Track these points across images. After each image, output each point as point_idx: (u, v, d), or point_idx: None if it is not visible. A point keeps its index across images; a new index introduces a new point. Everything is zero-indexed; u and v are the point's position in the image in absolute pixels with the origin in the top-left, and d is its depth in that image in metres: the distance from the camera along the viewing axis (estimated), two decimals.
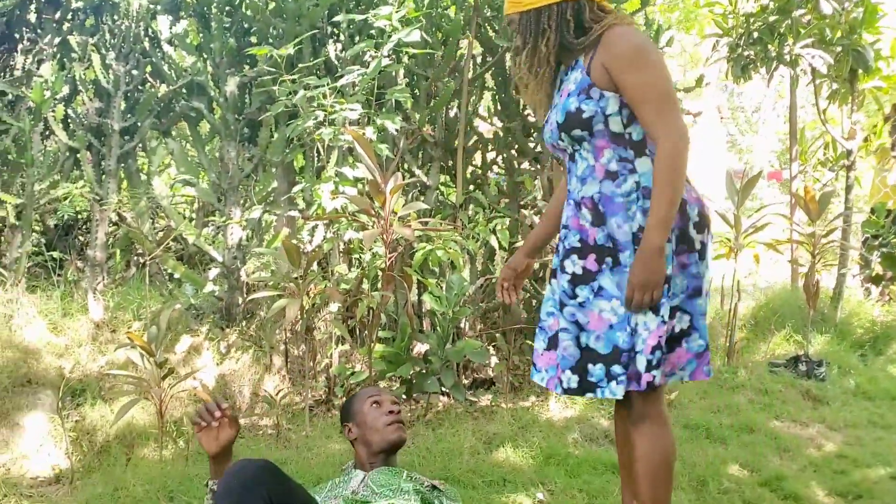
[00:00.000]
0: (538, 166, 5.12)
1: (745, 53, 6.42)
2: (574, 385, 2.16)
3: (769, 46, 6.18)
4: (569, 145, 2.19)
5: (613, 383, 2.09)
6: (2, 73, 4.48)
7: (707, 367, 2.22)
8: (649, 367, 2.04)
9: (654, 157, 2.08)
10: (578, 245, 2.17)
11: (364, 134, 3.93)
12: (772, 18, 6.19)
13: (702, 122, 17.24)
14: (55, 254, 4.88)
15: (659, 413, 2.15)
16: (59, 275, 4.75)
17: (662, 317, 2.04)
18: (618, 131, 2.11)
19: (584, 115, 2.10)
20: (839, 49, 6.04)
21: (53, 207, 5.32)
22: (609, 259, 2.13)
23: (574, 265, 2.17)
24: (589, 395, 2.17)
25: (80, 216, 5.45)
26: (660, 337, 2.03)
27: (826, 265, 5.73)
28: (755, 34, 6.28)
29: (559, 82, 2.27)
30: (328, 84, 3.97)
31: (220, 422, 2.02)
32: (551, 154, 2.44)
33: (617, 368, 2.09)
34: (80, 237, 5.41)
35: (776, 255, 7.50)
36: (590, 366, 2.15)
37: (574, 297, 2.17)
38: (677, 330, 2.12)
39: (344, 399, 3.13)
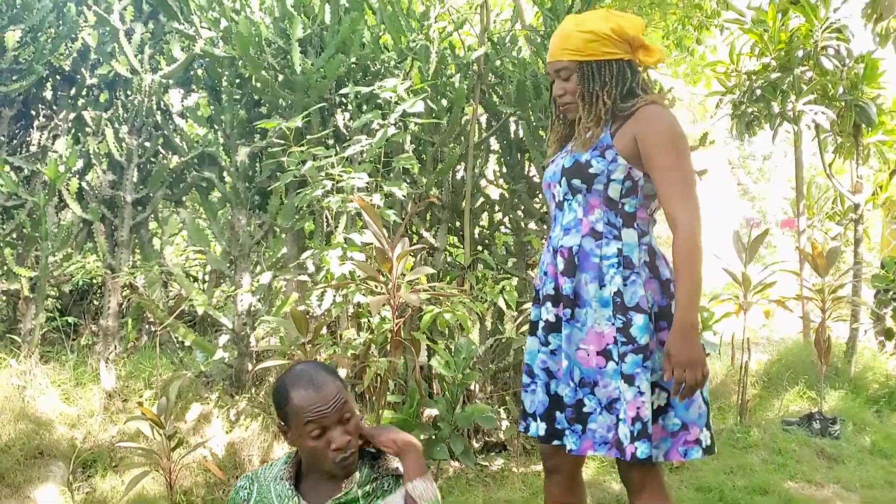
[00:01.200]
0: (545, 226, 5.16)
1: (749, 110, 6.50)
2: (542, 433, 2.23)
3: (772, 103, 6.25)
4: (563, 192, 2.24)
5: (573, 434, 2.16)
6: (18, 149, 4.59)
7: (684, 448, 2.17)
8: (632, 439, 2.05)
9: (640, 231, 2.18)
10: (553, 293, 2.23)
11: (372, 201, 4.00)
12: (773, 76, 6.27)
13: (712, 174, 17.34)
14: (70, 319, 4.94)
15: (659, 486, 2.15)
16: (73, 339, 4.80)
17: (638, 387, 2.06)
18: (613, 198, 2.18)
19: (591, 170, 2.16)
20: (842, 104, 6.10)
21: (69, 275, 5.41)
22: (567, 310, 2.18)
23: (548, 312, 2.22)
24: (556, 442, 2.19)
25: (94, 281, 5.53)
26: (638, 408, 2.05)
27: (837, 319, 5.69)
28: (758, 91, 6.36)
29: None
30: (336, 153, 4.05)
31: None
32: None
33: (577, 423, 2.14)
34: (95, 301, 5.47)
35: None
36: (557, 413, 2.21)
37: (547, 343, 2.22)
38: (655, 406, 2.13)
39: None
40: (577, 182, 2.19)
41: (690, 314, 2.05)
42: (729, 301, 5.13)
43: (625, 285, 2.13)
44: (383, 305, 3.72)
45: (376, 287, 3.96)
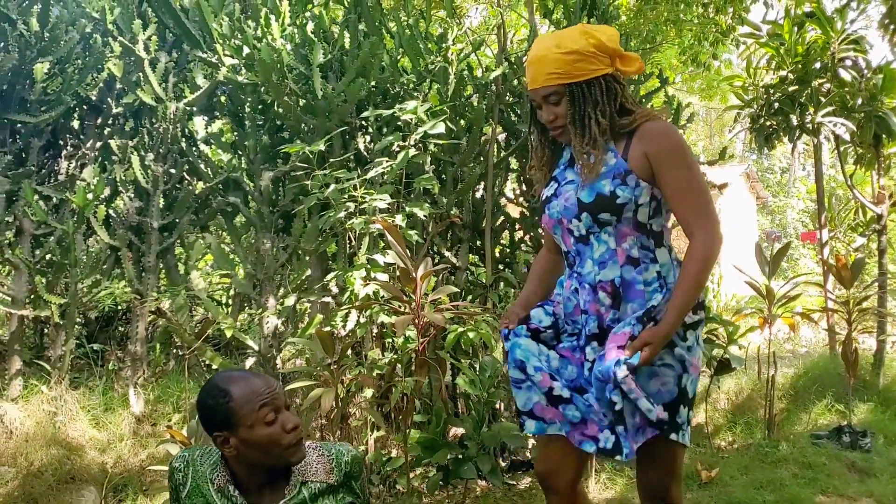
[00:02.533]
0: None
1: (767, 123, 6.50)
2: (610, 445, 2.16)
3: (790, 116, 6.25)
4: (586, 226, 2.15)
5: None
6: (47, 179, 4.69)
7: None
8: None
9: (668, 247, 2.17)
10: (597, 331, 2.18)
11: (394, 221, 4.04)
12: (791, 88, 6.27)
13: (730, 188, 17.27)
14: (96, 346, 5.02)
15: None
16: (101, 366, 4.87)
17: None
18: (643, 221, 2.14)
19: (619, 201, 2.09)
20: (861, 116, 6.08)
21: (95, 302, 5.49)
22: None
23: (595, 352, 2.18)
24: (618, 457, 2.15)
25: (119, 308, 5.61)
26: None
27: (864, 331, 5.65)
28: (776, 105, 6.36)
29: (562, 161, 2.31)
30: (358, 176, 4.10)
31: None
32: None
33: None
34: (120, 328, 5.55)
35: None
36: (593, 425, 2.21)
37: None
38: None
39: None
40: (605, 216, 2.12)
41: (675, 324, 2.07)
42: (753, 315, 5.11)
43: (663, 302, 2.13)
44: (408, 325, 3.75)
45: (400, 307, 3.99)
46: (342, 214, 4.10)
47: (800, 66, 6.24)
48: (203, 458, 1.99)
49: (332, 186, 4.04)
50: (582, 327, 2.23)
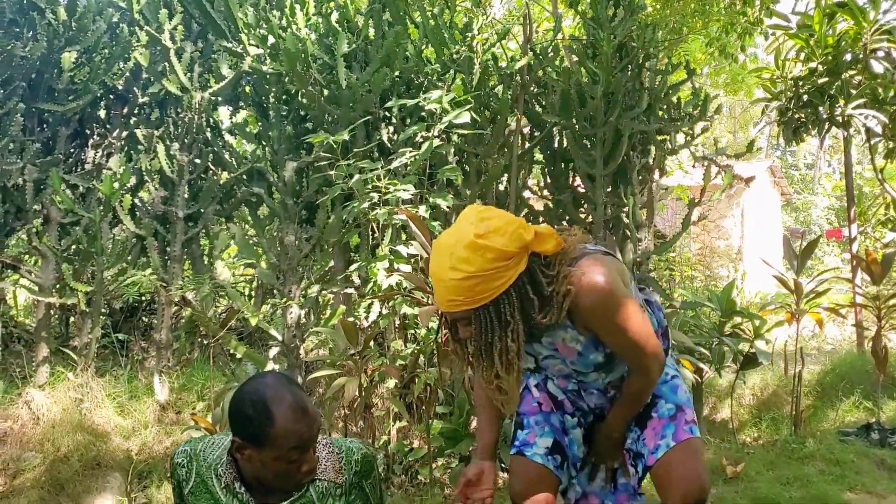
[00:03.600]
0: (590, 236, 5.13)
1: (796, 116, 6.41)
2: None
3: (819, 108, 6.16)
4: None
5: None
6: (74, 168, 4.72)
7: (689, 426, 2.13)
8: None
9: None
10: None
11: (417, 212, 4.03)
12: (821, 81, 6.18)
13: (755, 185, 17.07)
14: (120, 335, 5.05)
15: None
16: (125, 356, 4.90)
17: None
18: None
19: (609, 351, 2.06)
20: (893, 108, 5.98)
21: (119, 292, 5.53)
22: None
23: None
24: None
25: (143, 298, 5.64)
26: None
27: (893, 328, 5.55)
28: (805, 97, 6.27)
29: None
30: (382, 166, 4.09)
31: None
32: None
33: None
34: (144, 318, 5.59)
35: (838, 318, 7.32)
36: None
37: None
38: None
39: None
40: (601, 365, 2.12)
41: (621, 430, 2.15)
42: (779, 310, 5.04)
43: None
44: (432, 316, 3.73)
45: (423, 298, 3.98)
46: (366, 205, 4.09)
47: (830, 57, 6.14)
48: (207, 451, 1.90)
49: (356, 177, 4.03)
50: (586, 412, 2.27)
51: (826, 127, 6.16)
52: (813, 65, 6.28)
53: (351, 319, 4.07)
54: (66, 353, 4.52)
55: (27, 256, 4.96)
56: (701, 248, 10.92)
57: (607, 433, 2.15)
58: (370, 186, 4.11)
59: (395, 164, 4.13)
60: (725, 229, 13.40)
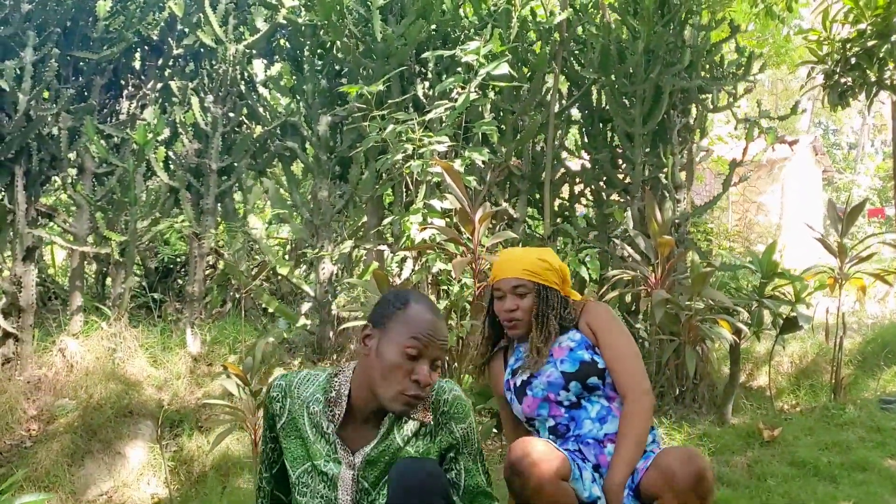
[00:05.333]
0: (628, 197, 5.03)
1: (842, 80, 6.20)
2: None
3: (868, 72, 5.95)
4: (577, 393, 2.29)
5: None
6: (108, 118, 4.71)
7: None
8: None
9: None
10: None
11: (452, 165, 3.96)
12: (870, 43, 5.96)
13: (796, 161, 16.72)
14: (155, 295, 5.05)
15: None
16: (158, 315, 4.91)
17: None
18: (615, 393, 2.33)
19: (599, 366, 2.29)
20: None
21: (154, 250, 5.54)
22: None
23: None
24: None
25: (178, 260, 5.65)
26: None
27: None
28: (852, 60, 6.06)
29: (519, 356, 2.46)
30: (417, 118, 4.02)
31: None
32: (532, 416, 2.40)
33: None
34: (179, 280, 5.59)
35: (880, 292, 7.12)
36: None
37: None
38: None
39: None
40: (593, 380, 2.29)
41: (625, 475, 2.15)
42: (823, 273, 4.90)
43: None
44: (465, 267, 3.67)
45: (457, 251, 3.92)
46: (399, 157, 4.02)
47: (880, 19, 5.91)
48: (302, 387, 1.86)
49: (391, 128, 3.96)
50: (594, 482, 2.23)
51: (874, 91, 5.95)
52: (862, 26, 6.06)
53: (384, 273, 4.02)
54: (102, 308, 4.53)
55: (62, 206, 4.98)
56: (740, 220, 10.72)
57: (610, 481, 2.15)
58: (404, 138, 4.04)
59: (430, 115, 4.05)
60: (765, 206, 13.15)
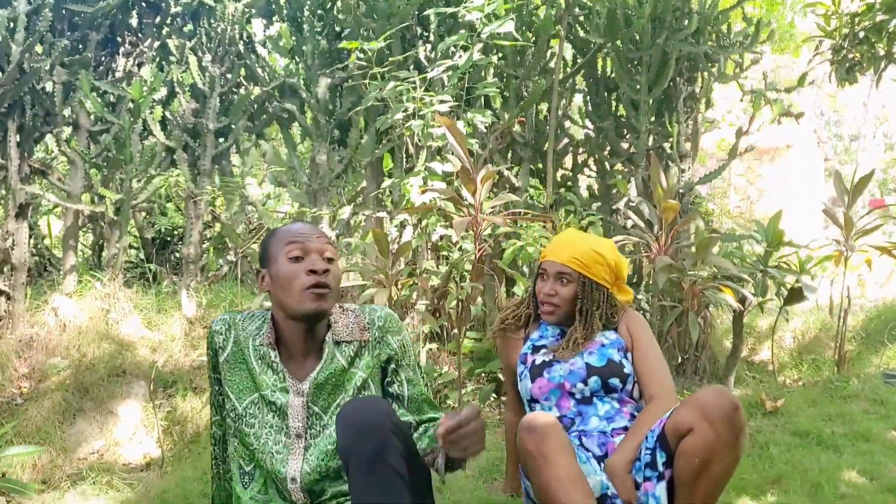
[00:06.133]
0: (631, 167, 4.96)
1: (850, 55, 6.12)
2: None
3: (877, 46, 5.86)
4: (593, 390, 2.26)
5: None
6: (104, 76, 4.62)
7: None
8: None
9: None
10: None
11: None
12: (879, 17, 5.88)
13: (798, 148, 16.63)
14: (152, 266, 4.97)
15: None
16: (155, 281, 4.83)
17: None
18: (637, 397, 2.32)
19: (625, 370, 2.28)
20: None
21: (151, 222, 5.46)
22: None
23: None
24: None
25: (175, 232, 5.57)
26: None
27: None
28: (861, 34, 5.98)
29: (551, 333, 2.47)
30: (418, 76, 3.94)
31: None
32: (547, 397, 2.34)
33: None
34: (177, 253, 5.51)
35: (881, 276, 7.05)
36: None
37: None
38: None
39: None
40: (615, 381, 2.26)
41: (632, 455, 2.10)
42: (828, 245, 4.83)
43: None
44: (466, 227, 3.60)
45: (457, 214, 3.85)
46: (399, 116, 3.95)
47: None
48: (246, 321, 1.90)
49: (391, 85, 3.88)
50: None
51: (883, 65, 5.87)
52: (871, 0, 5.98)
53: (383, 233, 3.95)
54: (96, 273, 4.46)
55: (56, 163, 4.90)
56: (743, 199, 10.64)
57: (616, 458, 2.11)
58: (405, 98, 3.97)
59: (431, 74, 3.97)
60: (766, 191, 13.07)
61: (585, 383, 2.25)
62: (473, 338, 4.20)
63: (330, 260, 1.86)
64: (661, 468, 2.02)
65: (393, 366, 1.92)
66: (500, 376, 3.93)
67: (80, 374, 3.83)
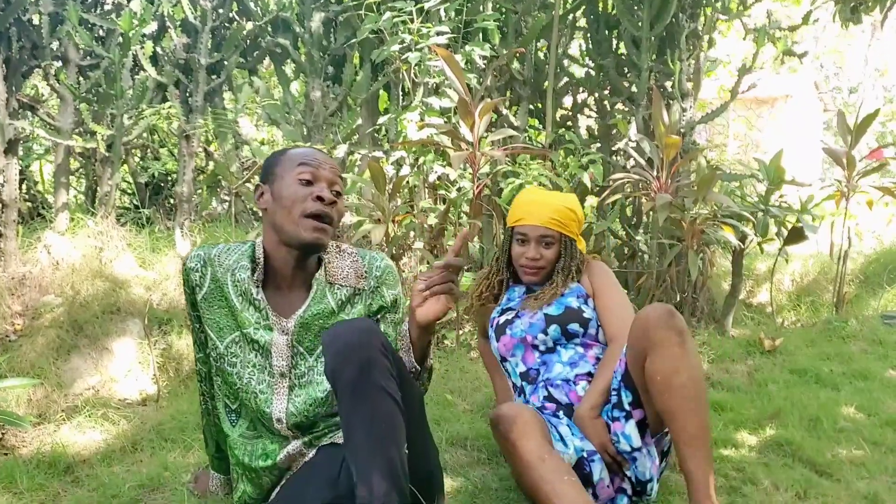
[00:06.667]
0: (632, 106, 4.87)
1: None
2: None
3: None
4: (554, 339, 2.27)
5: None
6: (93, 7, 4.50)
7: None
8: None
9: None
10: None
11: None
12: None
13: (798, 98, 16.47)
14: (146, 211, 4.90)
15: None
16: (149, 221, 4.77)
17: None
18: (602, 340, 2.32)
19: (585, 315, 2.28)
20: None
21: (145, 166, 5.37)
22: None
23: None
24: None
25: (169, 178, 5.49)
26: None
27: None
28: None
29: (515, 295, 2.47)
30: (415, 6, 3.84)
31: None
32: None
33: None
34: (171, 199, 5.44)
35: (877, 227, 7.02)
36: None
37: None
38: None
39: None
40: (574, 327, 2.27)
41: (601, 400, 2.10)
42: (829, 186, 4.79)
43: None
44: (464, 161, 3.54)
45: (454, 149, 3.78)
46: (396, 47, 3.85)
47: None
48: (223, 256, 1.81)
49: (387, 15, 3.78)
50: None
51: (889, 4, 5.74)
52: None
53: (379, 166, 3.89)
54: (90, 209, 4.40)
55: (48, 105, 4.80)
56: (742, 146, 10.56)
57: (582, 407, 2.12)
58: (402, 28, 3.87)
59: (429, 4, 3.87)
60: (765, 140, 12.98)
61: (546, 333, 2.27)
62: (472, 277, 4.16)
63: (338, 194, 1.78)
64: (627, 407, 2.03)
65: (379, 316, 1.86)
66: None
67: (74, 312, 3.79)
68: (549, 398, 2.22)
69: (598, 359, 2.26)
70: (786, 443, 2.65)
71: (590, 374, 2.22)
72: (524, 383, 2.33)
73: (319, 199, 1.72)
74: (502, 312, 2.42)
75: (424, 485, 1.62)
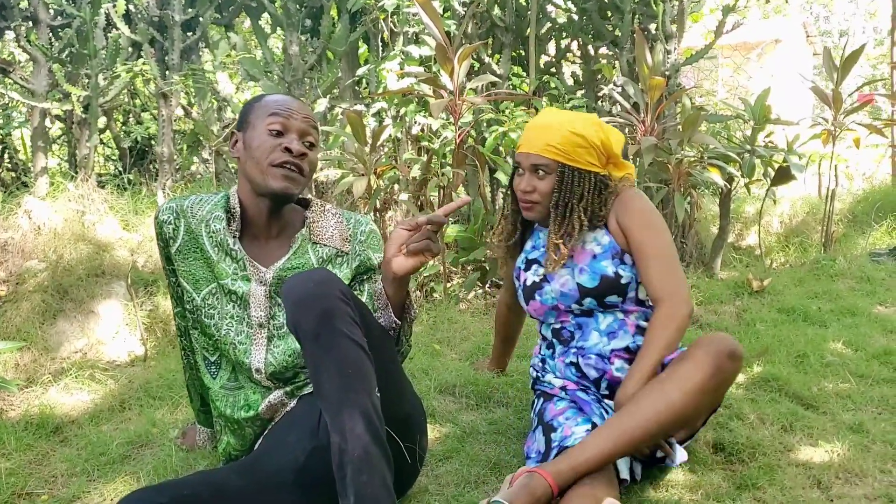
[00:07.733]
0: (616, 50, 4.81)
1: None
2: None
3: None
4: (589, 307, 2.04)
5: None
6: None
7: None
8: None
9: None
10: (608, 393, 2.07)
11: None
12: None
13: (787, 42, 16.32)
14: (130, 176, 4.84)
15: None
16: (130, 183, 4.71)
17: None
18: (643, 298, 2.06)
19: (623, 281, 2.01)
20: None
21: (127, 131, 5.29)
22: None
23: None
24: None
25: (152, 142, 5.41)
26: None
27: None
28: None
29: (539, 244, 2.18)
30: None
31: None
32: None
33: None
34: (154, 165, 5.36)
35: (867, 167, 7.02)
36: None
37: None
38: None
39: None
40: (612, 298, 2.02)
41: (637, 388, 1.84)
42: (817, 125, 4.75)
43: None
44: (444, 109, 3.49)
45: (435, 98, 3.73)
46: None
47: None
48: (195, 207, 1.78)
49: None
50: (599, 402, 2.02)
51: None
52: None
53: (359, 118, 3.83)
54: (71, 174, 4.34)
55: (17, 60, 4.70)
56: (730, 91, 10.48)
57: (623, 392, 1.87)
58: None
59: None
60: (754, 89, 12.89)
61: (581, 304, 2.04)
62: (456, 232, 4.14)
63: (311, 146, 1.76)
64: None
65: (364, 278, 1.84)
66: (486, 265, 3.89)
67: (59, 276, 3.76)
68: (577, 368, 2.05)
69: (637, 327, 2.04)
70: (773, 378, 2.66)
71: (627, 350, 2.02)
72: (555, 340, 2.13)
73: (288, 150, 1.70)
74: (528, 264, 2.18)
75: (402, 426, 1.61)
